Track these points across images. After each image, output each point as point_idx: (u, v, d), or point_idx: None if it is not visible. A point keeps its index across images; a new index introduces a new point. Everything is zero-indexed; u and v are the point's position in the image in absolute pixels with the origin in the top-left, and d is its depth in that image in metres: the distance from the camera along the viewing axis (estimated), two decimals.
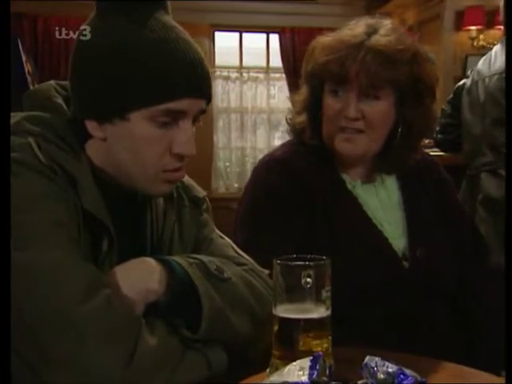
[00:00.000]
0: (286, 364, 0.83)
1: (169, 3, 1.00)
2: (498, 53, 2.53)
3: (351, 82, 1.32)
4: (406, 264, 1.36)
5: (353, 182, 1.42)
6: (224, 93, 6.41)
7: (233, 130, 6.53)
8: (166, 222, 1.09)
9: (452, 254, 1.41)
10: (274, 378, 0.80)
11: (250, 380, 0.92)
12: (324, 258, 0.91)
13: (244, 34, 6.53)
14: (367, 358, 0.86)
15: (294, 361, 0.82)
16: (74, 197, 0.93)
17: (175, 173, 0.99)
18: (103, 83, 0.93)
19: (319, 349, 0.88)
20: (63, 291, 0.84)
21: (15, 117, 0.96)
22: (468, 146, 2.64)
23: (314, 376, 0.77)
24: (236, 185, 6.49)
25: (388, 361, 0.84)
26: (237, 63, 6.52)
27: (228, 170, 6.58)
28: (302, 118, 1.45)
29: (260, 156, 1.55)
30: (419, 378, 0.83)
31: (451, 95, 2.78)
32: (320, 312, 0.89)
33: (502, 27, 2.83)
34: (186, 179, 1.14)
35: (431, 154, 1.81)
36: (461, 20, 4.94)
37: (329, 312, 0.90)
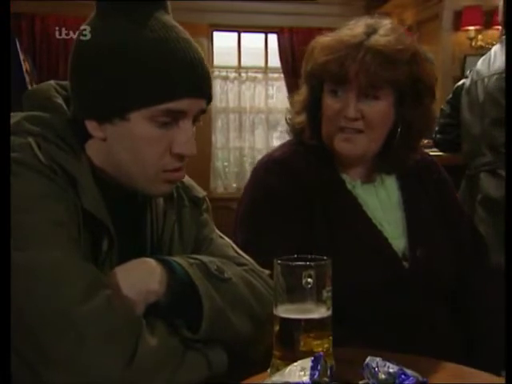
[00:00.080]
0: (287, 364, 0.83)
1: (169, 3, 1.00)
2: (497, 53, 2.53)
3: (351, 81, 1.32)
4: (405, 264, 1.36)
5: (352, 182, 1.42)
6: (222, 93, 6.41)
7: (231, 130, 6.53)
8: (166, 222, 1.09)
9: (452, 254, 1.42)
10: (276, 378, 0.80)
11: (251, 380, 0.92)
12: (325, 258, 0.91)
13: (242, 34, 6.52)
14: (368, 359, 0.86)
15: (295, 361, 0.82)
16: (74, 197, 0.93)
17: (175, 173, 0.99)
18: (103, 83, 0.93)
19: (320, 349, 0.88)
20: (63, 291, 0.83)
21: (15, 117, 0.96)
22: (467, 146, 2.64)
23: (316, 376, 0.77)
24: (234, 185, 6.49)
25: (389, 361, 0.84)
26: (235, 63, 6.52)
27: (226, 170, 6.58)
28: (302, 118, 1.45)
29: (258, 156, 1.55)
30: (420, 379, 0.83)
31: (450, 95, 2.78)
32: (321, 312, 0.89)
33: (500, 27, 2.82)
34: (186, 179, 1.13)
35: (430, 154, 1.81)
36: (459, 20, 4.94)
37: (330, 312, 0.90)
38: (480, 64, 2.61)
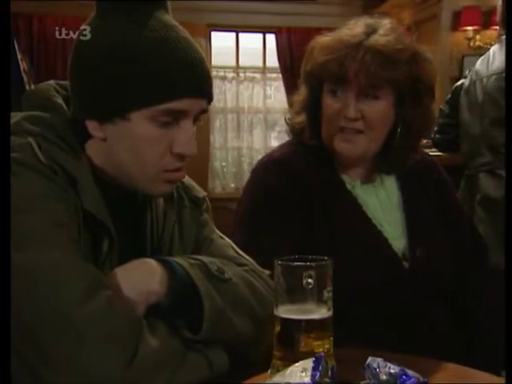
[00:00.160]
0: (288, 365, 0.82)
1: (169, 3, 1.00)
2: (496, 53, 2.53)
3: (350, 81, 1.32)
4: (405, 264, 1.36)
5: (352, 182, 1.42)
6: (220, 93, 6.40)
7: (229, 130, 6.52)
8: (166, 223, 1.09)
9: (452, 254, 1.42)
10: (277, 379, 0.80)
11: (252, 381, 0.92)
12: (325, 258, 0.91)
13: (240, 34, 6.52)
14: (369, 359, 0.86)
15: (296, 362, 0.81)
16: (74, 197, 0.92)
17: (176, 173, 0.99)
18: (103, 83, 0.93)
19: (321, 350, 0.88)
20: (63, 291, 0.83)
21: (15, 117, 0.96)
22: (466, 146, 2.64)
23: (317, 377, 0.77)
24: (233, 185, 6.49)
25: (390, 361, 0.84)
26: (233, 63, 6.52)
27: (224, 170, 6.57)
28: (301, 118, 1.45)
29: (256, 156, 1.55)
30: (421, 379, 0.83)
31: (449, 95, 2.79)
32: (321, 313, 0.89)
33: (498, 27, 2.82)
34: (186, 179, 1.13)
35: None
36: (457, 20, 4.95)
37: (330, 313, 0.90)
38: (479, 64, 2.61)
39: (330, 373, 0.81)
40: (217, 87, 6.37)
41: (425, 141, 2.36)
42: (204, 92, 0.97)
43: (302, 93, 1.45)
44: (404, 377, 0.82)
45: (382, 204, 1.42)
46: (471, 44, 4.90)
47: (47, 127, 0.95)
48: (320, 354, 0.82)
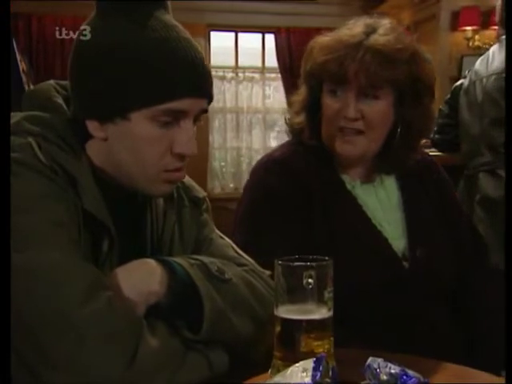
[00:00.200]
0: (288, 365, 0.82)
1: (169, 3, 1.00)
2: (495, 53, 2.53)
3: (350, 81, 1.32)
4: (405, 264, 1.36)
5: (352, 182, 1.42)
6: (219, 93, 6.39)
7: (228, 130, 6.52)
8: (166, 223, 1.08)
9: (452, 254, 1.42)
10: (277, 379, 0.80)
11: (252, 381, 0.92)
12: (326, 258, 0.91)
13: (239, 34, 6.52)
14: (370, 359, 0.86)
15: (296, 362, 0.81)
16: (75, 197, 0.92)
17: (176, 173, 0.99)
18: (104, 83, 0.93)
19: (321, 350, 0.88)
20: (63, 292, 0.83)
21: (15, 117, 0.95)
22: (466, 146, 2.64)
23: (318, 377, 0.77)
24: (231, 185, 6.49)
25: (391, 362, 0.84)
26: (232, 63, 6.52)
27: (223, 170, 6.57)
28: (301, 118, 1.45)
29: (255, 156, 1.55)
30: (422, 379, 0.83)
31: (448, 95, 2.79)
32: (322, 313, 0.89)
33: (497, 28, 2.82)
34: (186, 179, 1.13)
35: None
36: (456, 20, 4.95)
37: (331, 313, 0.90)
38: (478, 64, 2.61)
39: (330, 373, 0.81)
40: (216, 87, 6.31)
41: (424, 141, 2.37)
42: (204, 92, 0.97)
43: (302, 93, 1.45)
44: (404, 377, 0.82)
45: (382, 204, 1.42)
46: (470, 44, 4.90)
47: (47, 127, 0.95)
48: (321, 354, 0.82)
